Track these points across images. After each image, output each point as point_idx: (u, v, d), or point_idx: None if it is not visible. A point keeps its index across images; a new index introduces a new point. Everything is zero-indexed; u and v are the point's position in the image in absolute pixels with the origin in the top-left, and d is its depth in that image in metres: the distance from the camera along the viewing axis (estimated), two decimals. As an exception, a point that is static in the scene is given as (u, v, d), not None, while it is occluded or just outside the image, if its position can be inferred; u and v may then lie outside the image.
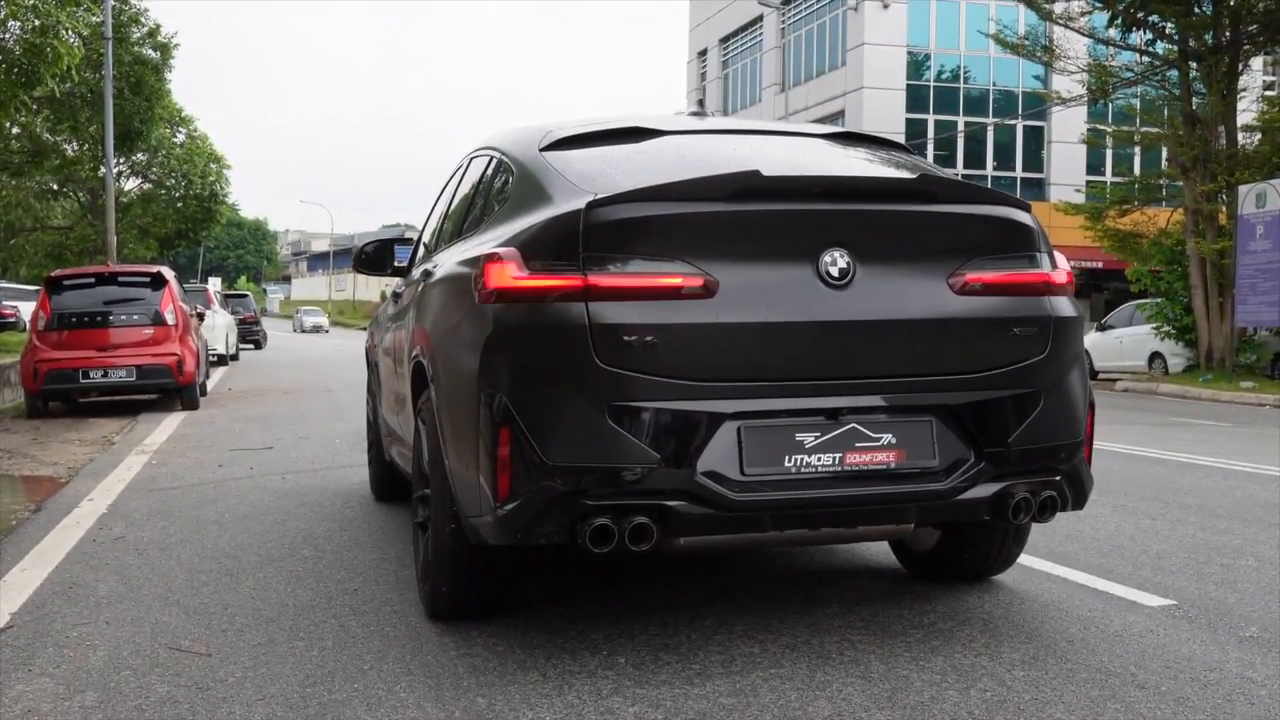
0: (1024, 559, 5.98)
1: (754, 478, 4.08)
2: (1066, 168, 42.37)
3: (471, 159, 6.25)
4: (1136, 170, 38.26)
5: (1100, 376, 28.55)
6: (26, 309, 34.27)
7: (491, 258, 4.31)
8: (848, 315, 4.21)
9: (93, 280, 15.86)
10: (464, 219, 5.79)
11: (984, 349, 4.42)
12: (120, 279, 15.98)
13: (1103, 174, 42.12)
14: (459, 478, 4.48)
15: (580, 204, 4.16)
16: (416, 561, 5.26)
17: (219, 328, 26.89)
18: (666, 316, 4.04)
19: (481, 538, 4.33)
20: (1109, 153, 42.09)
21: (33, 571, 5.92)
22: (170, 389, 15.50)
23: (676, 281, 4.06)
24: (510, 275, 4.18)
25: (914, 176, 4.59)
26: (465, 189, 6.14)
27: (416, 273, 6.24)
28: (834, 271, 4.20)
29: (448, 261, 5.21)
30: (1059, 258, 4.83)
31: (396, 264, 7.02)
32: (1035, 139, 43.99)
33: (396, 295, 6.94)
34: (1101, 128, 35.34)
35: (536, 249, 4.20)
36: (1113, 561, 6.02)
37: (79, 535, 6.87)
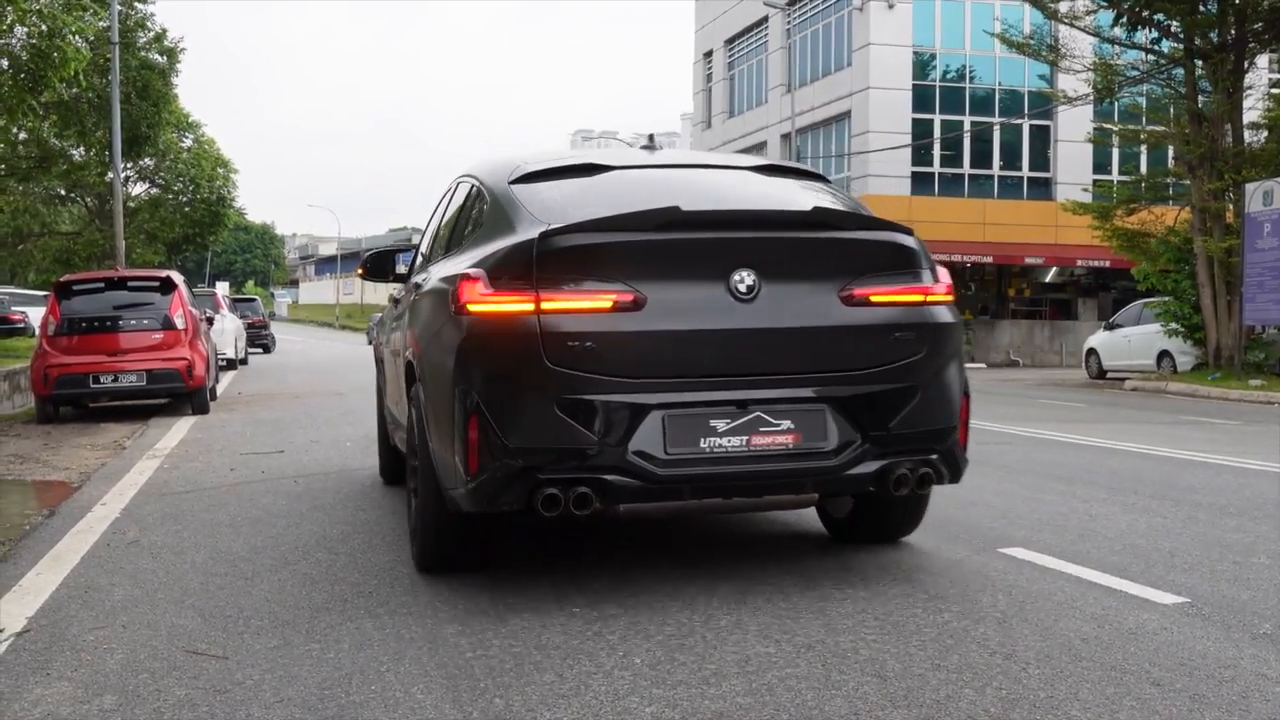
0: (1036, 557, 6.02)
1: (675, 456, 5.03)
2: (1073, 167, 42.32)
3: (458, 183, 7.18)
4: (1143, 169, 38.18)
5: (1109, 375, 28.55)
6: (35, 314, 34.33)
7: (465, 277, 5.30)
8: (753, 324, 5.17)
9: (102, 285, 15.88)
10: (450, 237, 6.81)
11: (870, 350, 5.36)
12: (130, 284, 16.00)
13: (1109, 173, 42.02)
14: (439, 457, 5.48)
15: (534, 234, 5.15)
16: (409, 524, 6.27)
17: (228, 332, 26.91)
18: (603, 326, 5.01)
19: (457, 506, 5.29)
20: (1115, 151, 42.00)
21: (48, 576, 5.94)
22: (180, 394, 15.52)
23: (611, 298, 5.04)
24: (479, 293, 5.18)
25: (810, 209, 5.46)
26: (451, 210, 7.14)
27: (412, 282, 7.12)
28: (742, 288, 5.16)
29: (433, 277, 6.20)
30: (942, 272, 5.70)
31: (397, 271, 8.05)
32: (1041, 138, 43.93)
33: (396, 300, 7.95)
34: (1108, 126, 35.26)
35: (499, 271, 5.19)
36: (1126, 560, 6.02)
37: (93, 540, 6.89)
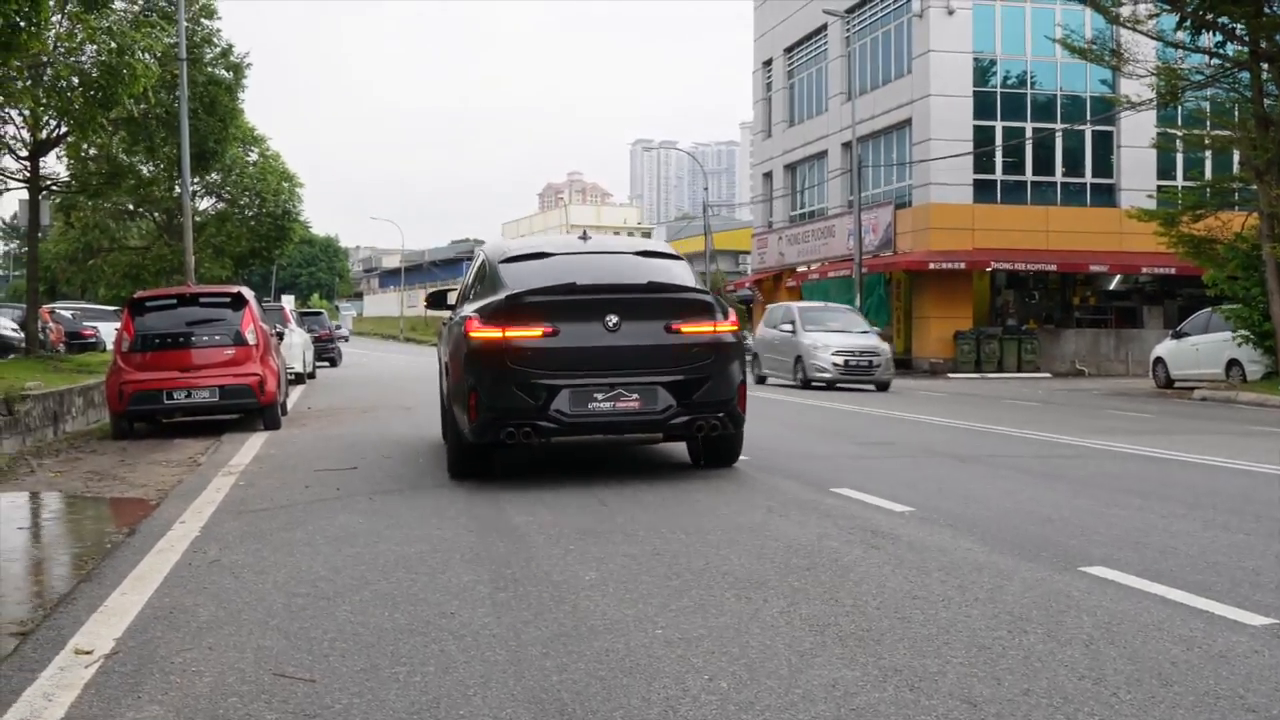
0: (1118, 576, 5.97)
1: (575, 413, 9.38)
2: (1137, 172, 41.87)
3: (478, 255, 11.91)
4: (1208, 174, 37.74)
5: (1176, 385, 28.23)
6: (105, 329, 34.84)
7: (468, 317, 9.85)
8: (617, 343, 9.47)
9: (174, 301, 16.06)
10: (470, 289, 11.43)
11: (681, 357, 9.62)
12: (201, 300, 16.17)
13: (1174, 178, 41.52)
14: (457, 413, 10.08)
15: (503, 296, 9.65)
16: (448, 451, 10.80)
17: (296, 346, 27.06)
18: (538, 345, 9.39)
19: (467, 440, 9.82)
20: (1179, 157, 41.50)
21: (132, 596, 6.00)
22: (252, 409, 15.66)
23: (541, 330, 9.38)
24: (475, 326, 9.61)
25: (646, 283, 9.92)
26: (472, 272, 11.75)
27: (453, 314, 11.61)
28: (610, 324, 9.44)
29: (458, 315, 10.91)
30: (731, 313, 10.03)
31: (449, 303, 12.26)
32: (1104, 144, 43.50)
33: (445, 323, 12.16)
34: (1172, 131, 34.91)
35: (486, 315, 9.62)
36: (1209, 579, 5.95)
37: (174, 559, 6.96)
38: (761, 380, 29.70)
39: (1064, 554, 6.60)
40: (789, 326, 29.00)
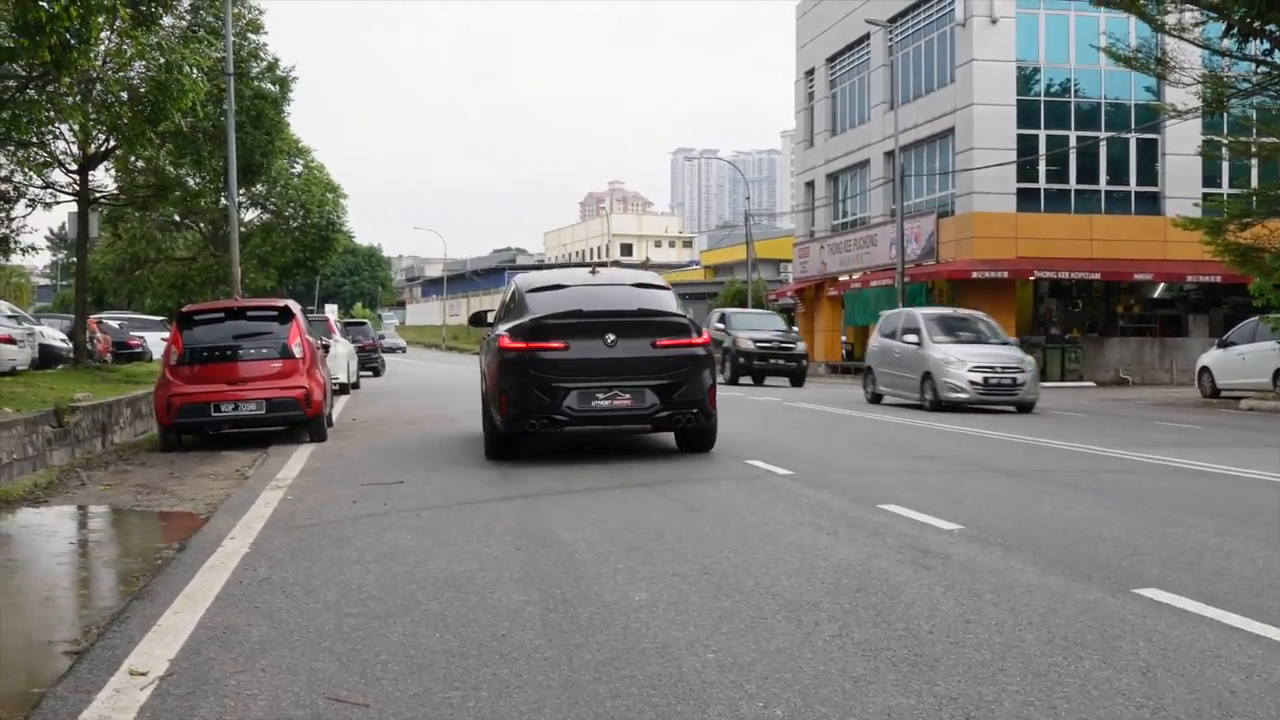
0: (1172, 599, 5.92)
1: (581, 409, 12.17)
2: (1182, 180, 41.53)
3: (511, 284, 14.62)
4: (1254, 182, 37.42)
5: (1222, 394, 27.96)
6: (151, 338, 35.11)
7: (502, 335, 12.74)
8: (615, 356, 12.23)
9: (222, 315, 16.18)
10: (503, 310, 14.09)
11: (664, 366, 12.35)
12: (249, 313, 16.28)
13: (1219, 186, 41.23)
14: (492, 409, 12.94)
15: (529, 319, 12.52)
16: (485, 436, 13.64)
17: (340, 356, 27.14)
18: (553, 356, 12.21)
19: (499, 430, 12.66)
20: (1225, 165, 41.18)
21: (185, 615, 6.04)
22: (299, 421, 15.73)
23: (556, 346, 12.22)
24: (506, 342, 12.49)
25: (636, 309, 12.72)
26: (506, 296, 14.45)
27: (489, 331, 14.35)
28: (609, 341, 12.25)
29: (493, 333, 13.60)
30: (705, 331, 13.17)
31: (488, 322, 15.05)
32: (1149, 152, 43.20)
33: (484, 338, 15.10)
34: (1217, 139, 34.59)
35: (514, 333, 12.47)
36: (1266, 602, 5.89)
37: (225, 576, 6.99)
38: (877, 399, 25.60)
39: (1116, 575, 6.55)
40: (913, 337, 24.12)
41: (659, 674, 4.78)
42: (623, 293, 13.54)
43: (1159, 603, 5.89)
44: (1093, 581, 6.38)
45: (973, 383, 22.43)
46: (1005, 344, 24.40)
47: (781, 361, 35.37)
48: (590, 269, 14.84)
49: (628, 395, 12.23)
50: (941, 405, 22.55)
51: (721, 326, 36.17)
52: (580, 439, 14.07)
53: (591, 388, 12.18)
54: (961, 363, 22.71)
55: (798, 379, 35.37)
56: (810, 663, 4.90)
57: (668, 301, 13.38)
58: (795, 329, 40.82)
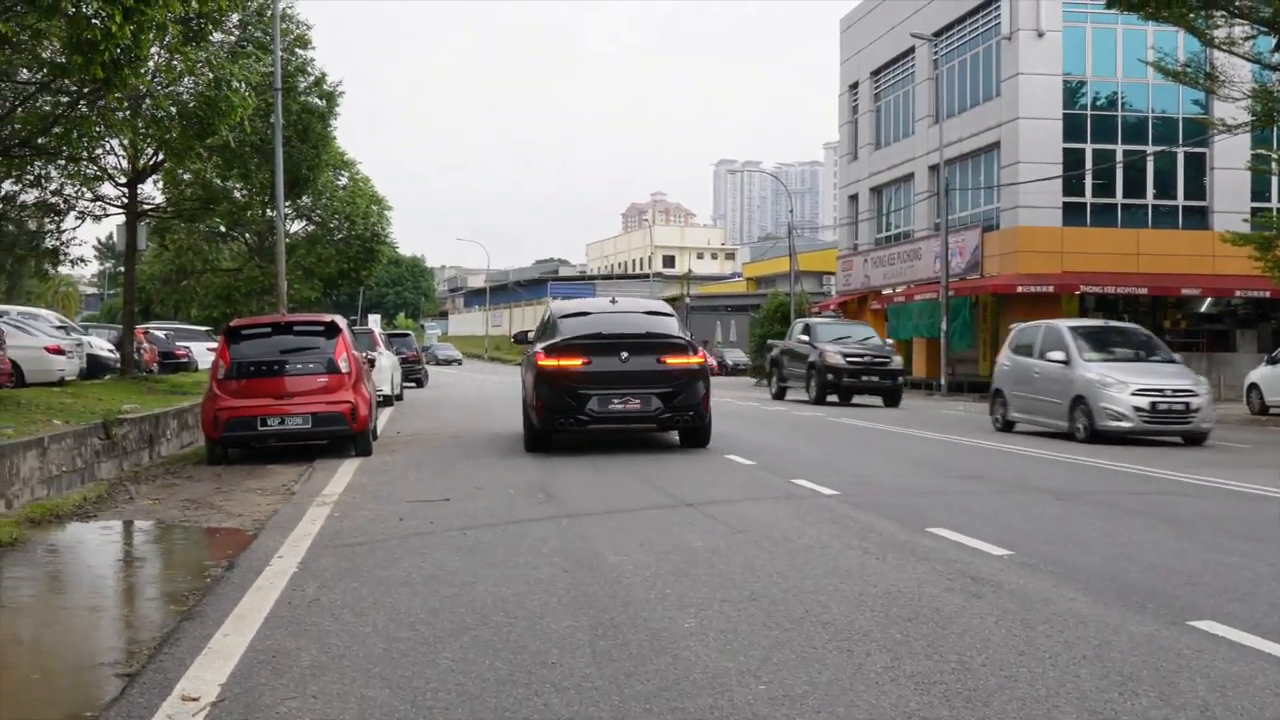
0: (1229, 632, 5.85)
1: (600, 412, 15.39)
2: (1230, 195, 41.15)
3: (548, 310, 18.30)
4: (1304, 197, 37.05)
5: (1271, 411, 27.67)
6: (197, 349, 35.35)
7: (538, 352, 16.00)
8: (627, 369, 15.44)
9: (269, 330, 16.29)
10: (539, 330, 17.67)
11: (668, 379, 15.65)
12: (296, 328, 16.38)
13: (1268, 200, 40.91)
14: (530, 412, 16.22)
15: (559, 339, 15.88)
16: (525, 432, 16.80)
17: (384, 368, 27.18)
18: (579, 370, 15.46)
19: (535, 428, 16.00)
20: (1275, 179, 40.80)
21: (235, 638, 6.05)
22: (344, 435, 15.78)
23: (580, 361, 15.49)
24: (542, 358, 15.71)
25: (645, 333, 16.03)
26: (541, 319, 18.24)
27: (530, 347, 17.29)
28: (623, 358, 15.48)
29: (531, 350, 16.94)
30: (701, 350, 16.64)
31: (528, 339, 18.15)
32: (1196, 166, 42.85)
33: (524, 353, 18.17)
34: (1266, 153, 34.27)
35: (550, 351, 15.70)
36: (1324, 637, 5.80)
37: (274, 597, 7.01)
38: (1008, 427, 21.84)
39: (1171, 606, 6.48)
40: (1059, 355, 20.20)
41: (710, 706, 4.76)
42: (635, 319, 16.73)
43: (1215, 635, 5.82)
44: (1146, 612, 6.31)
45: (1137, 409, 18.67)
46: (1169, 361, 20.71)
47: (876, 379, 31.51)
48: (610, 299, 18.70)
49: (638, 400, 15.40)
50: (1098, 435, 18.93)
51: (806, 338, 32.81)
52: (596, 436, 16.89)
53: (609, 394, 15.31)
54: (1123, 385, 18.88)
55: (892, 398, 31.38)
56: (863, 696, 4.87)
57: (671, 326, 16.75)
58: (890, 342, 35.62)
